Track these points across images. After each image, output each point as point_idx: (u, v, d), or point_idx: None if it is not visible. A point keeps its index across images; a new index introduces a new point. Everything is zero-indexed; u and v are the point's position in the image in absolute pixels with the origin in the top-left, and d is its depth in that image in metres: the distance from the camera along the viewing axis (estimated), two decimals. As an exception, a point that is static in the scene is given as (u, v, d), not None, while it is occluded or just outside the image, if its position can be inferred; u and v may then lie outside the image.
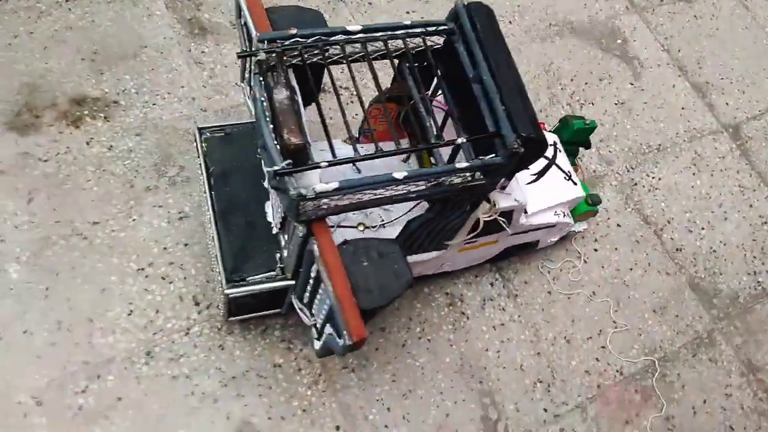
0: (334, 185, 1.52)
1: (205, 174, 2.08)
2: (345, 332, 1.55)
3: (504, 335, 2.65)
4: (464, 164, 1.63)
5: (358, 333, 1.55)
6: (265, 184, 2.09)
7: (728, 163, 3.47)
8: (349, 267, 1.63)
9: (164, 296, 2.34)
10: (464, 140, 1.64)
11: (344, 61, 1.78)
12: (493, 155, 1.67)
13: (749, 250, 3.22)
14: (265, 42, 1.69)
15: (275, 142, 1.57)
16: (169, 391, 2.19)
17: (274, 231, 2.04)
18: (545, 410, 2.54)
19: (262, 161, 1.93)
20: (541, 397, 2.56)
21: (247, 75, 1.90)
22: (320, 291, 1.77)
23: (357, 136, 2.42)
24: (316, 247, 1.64)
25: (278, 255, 2.00)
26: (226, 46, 2.97)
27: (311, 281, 1.82)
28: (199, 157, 2.11)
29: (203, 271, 2.42)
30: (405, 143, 2.41)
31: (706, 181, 3.36)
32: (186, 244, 2.46)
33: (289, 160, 1.54)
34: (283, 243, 1.97)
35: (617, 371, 2.70)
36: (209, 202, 2.03)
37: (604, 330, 2.79)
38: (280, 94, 1.66)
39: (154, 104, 2.74)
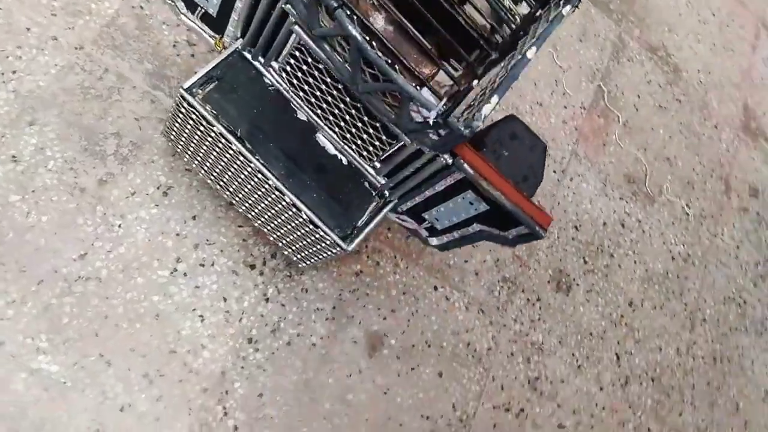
0: (495, 99, 1.39)
1: (236, 141, 1.69)
2: (536, 227, 1.61)
3: (498, 128, 2.83)
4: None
5: (547, 221, 1.62)
6: (302, 116, 1.78)
7: None
8: (500, 168, 1.60)
9: (218, 281, 2.08)
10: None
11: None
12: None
13: (614, -56, 3.55)
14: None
15: (413, 84, 1.34)
16: (294, 357, 2.13)
17: (345, 162, 1.83)
18: (554, 172, 2.92)
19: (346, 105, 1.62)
20: (547, 163, 2.90)
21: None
22: (457, 201, 1.73)
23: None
24: (467, 167, 1.56)
25: (365, 183, 1.84)
26: (36, -59, 2.06)
27: (432, 194, 1.76)
28: (214, 126, 1.67)
29: (232, 233, 2.14)
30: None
31: None
32: (194, 217, 2.09)
33: (443, 100, 1.34)
34: (374, 171, 1.80)
35: (581, 107, 3.10)
36: (265, 172, 1.70)
37: (557, 78, 3.09)
38: (378, 21, 1.32)
39: (14, 72, 1.96)
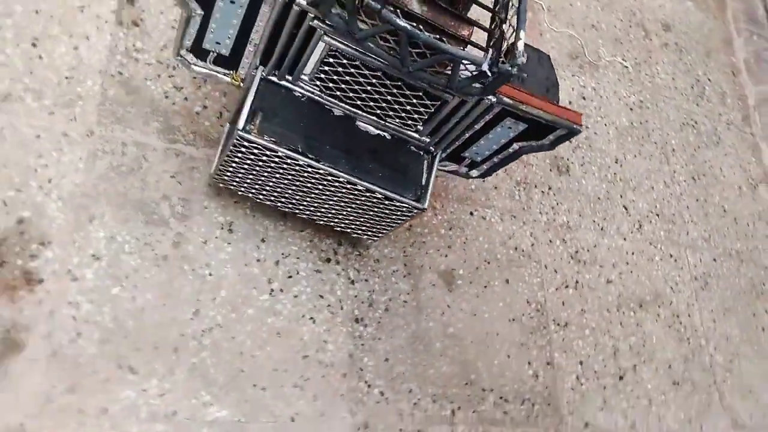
0: (523, 33, 1.69)
1: (301, 157, 1.92)
2: (574, 125, 1.97)
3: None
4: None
5: (579, 117, 1.98)
6: (338, 113, 2.02)
7: None
8: (530, 90, 1.93)
9: (309, 284, 2.34)
10: None
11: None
12: None
13: None
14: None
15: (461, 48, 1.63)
16: (396, 318, 2.45)
17: (388, 137, 2.10)
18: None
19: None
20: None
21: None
22: (496, 131, 2.06)
23: None
24: (507, 100, 1.88)
25: (412, 147, 2.12)
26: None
27: (477, 129, 2.06)
28: (278, 151, 1.90)
29: (299, 239, 2.38)
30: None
31: None
32: (263, 239, 2.33)
33: (490, 51, 1.64)
34: (417, 134, 2.09)
35: None
36: (335, 173, 1.96)
37: (481, -7, 3.40)
38: (414, 4, 1.57)
39: (49, 181, 2.07)
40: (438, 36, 1.67)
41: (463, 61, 1.67)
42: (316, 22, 1.73)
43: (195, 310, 2.11)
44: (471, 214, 2.82)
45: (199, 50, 1.95)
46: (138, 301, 2.04)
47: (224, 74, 2.04)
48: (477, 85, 1.78)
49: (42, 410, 1.83)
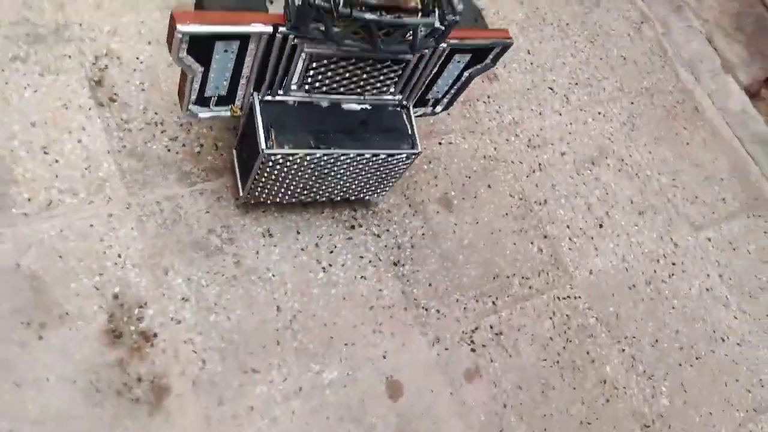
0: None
1: (316, 150, 2.40)
2: (506, 40, 2.51)
3: None
4: None
5: (507, 33, 2.52)
6: (324, 104, 2.48)
7: None
8: (466, 25, 2.45)
9: (347, 251, 2.85)
10: None
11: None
12: None
13: None
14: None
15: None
16: (422, 250, 3.02)
17: (369, 107, 2.58)
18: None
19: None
20: None
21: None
22: (449, 68, 2.58)
23: None
24: (455, 41, 2.40)
25: (390, 107, 2.63)
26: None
27: (434, 72, 2.57)
28: (297, 153, 2.36)
29: (322, 219, 2.86)
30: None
31: None
32: (298, 231, 2.79)
33: (436, 12, 2.14)
34: (391, 96, 2.58)
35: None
36: (346, 152, 2.46)
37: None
38: None
39: (119, 256, 2.45)
40: (397, 14, 2.14)
41: (421, 26, 2.18)
42: (297, 40, 2.16)
43: (276, 307, 2.58)
44: (439, 144, 3.37)
45: (202, 99, 2.34)
46: (233, 319, 2.49)
47: (225, 110, 2.44)
48: (431, 39, 2.29)
49: (207, 427, 2.29)
